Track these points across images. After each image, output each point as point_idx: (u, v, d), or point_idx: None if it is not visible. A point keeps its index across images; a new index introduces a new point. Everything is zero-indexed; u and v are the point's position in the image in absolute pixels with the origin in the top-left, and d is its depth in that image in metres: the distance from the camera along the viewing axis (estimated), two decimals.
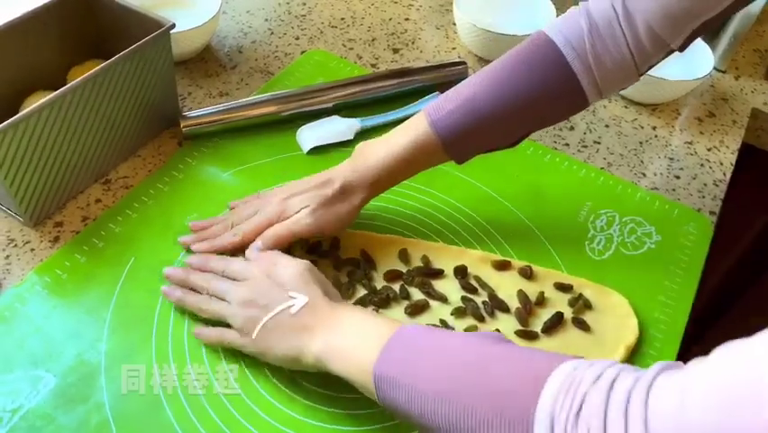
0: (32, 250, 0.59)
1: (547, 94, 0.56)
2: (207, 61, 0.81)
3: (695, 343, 1.17)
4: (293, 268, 0.52)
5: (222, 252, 0.58)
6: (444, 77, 0.79)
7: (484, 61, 0.85)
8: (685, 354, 0.57)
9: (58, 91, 0.56)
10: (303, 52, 0.84)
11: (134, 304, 0.56)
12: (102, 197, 0.64)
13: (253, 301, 0.50)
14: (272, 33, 0.86)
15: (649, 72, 0.76)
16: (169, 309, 0.56)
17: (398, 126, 0.59)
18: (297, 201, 0.58)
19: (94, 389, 0.50)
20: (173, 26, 0.64)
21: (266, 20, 0.88)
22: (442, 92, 0.77)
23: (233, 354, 0.53)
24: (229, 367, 0.52)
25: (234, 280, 0.53)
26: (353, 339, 0.46)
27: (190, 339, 0.54)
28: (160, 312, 0.56)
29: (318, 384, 0.52)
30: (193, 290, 0.55)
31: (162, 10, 0.80)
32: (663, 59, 0.57)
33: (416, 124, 0.58)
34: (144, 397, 0.50)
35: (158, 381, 0.51)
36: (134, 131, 0.67)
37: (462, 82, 0.59)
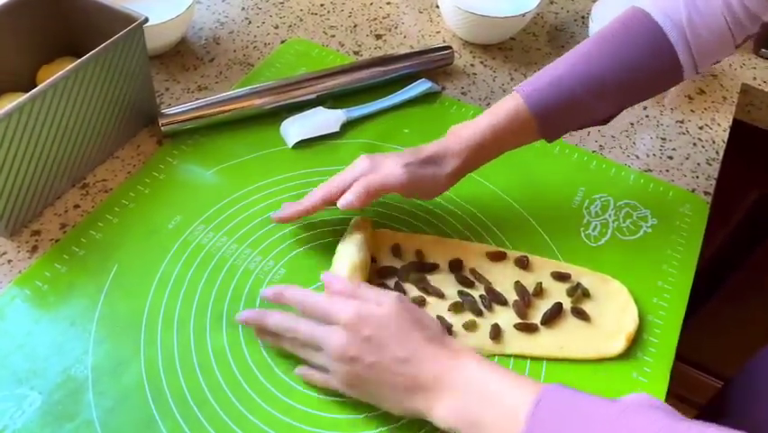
0: (10, 261, 0.57)
1: (643, 67, 0.56)
2: (184, 54, 0.78)
3: (689, 317, 1.17)
4: (386, 309, 0.47)
5: (311, 213, 0.57)
6: (430, 62, 0.77)
7: (469, 45, 0.83)
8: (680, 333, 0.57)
9: (28, 94, 0.53)
10: (283, 41, 0.81)
11: (120, 313, 0.54)
12: (80, 202, 0.61)
13: (354, 359, 0.46)
14: (250, 23, 0.83)
15: None
16: (156, 317, 0.54)
17: (492, 107, 0.58)
18: (390, 160, 0.56)
19: (82, 405, 0.48)
20: (146, 20, 0.61)
21: (243, 8, 0.85)
22: (428, 78, 0.76)
23: (225, 363, 0.51)
24: (223, 379, 0.51)
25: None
26: (488, 409, 0.42)
27: (180, 348, 0.52)
28: (147, 320, 0.54)
29: (320, 391, 0.50)
30: None
31: (134, 3, 0.77)
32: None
33: (508, 101, 0.57)
34: (136, 412, 0.48)
35: (149, 394, 0.49)
36: (111, 131, 0.64)
37: (556, 60, 0.58)
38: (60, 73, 0.55)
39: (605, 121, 0.60)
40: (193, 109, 0.67)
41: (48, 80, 0.54)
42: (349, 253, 0.56)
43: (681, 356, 1.23)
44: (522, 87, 0.57)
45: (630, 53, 0.56)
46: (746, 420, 0.68)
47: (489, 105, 0.75)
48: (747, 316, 1.11)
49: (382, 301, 0.48)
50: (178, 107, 0.67)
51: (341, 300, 0.48)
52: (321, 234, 0.61)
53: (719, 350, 1.20)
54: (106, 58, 0.59)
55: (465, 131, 0.57)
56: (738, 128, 0.82)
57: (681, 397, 1.26)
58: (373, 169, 0.56)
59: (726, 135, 0.75)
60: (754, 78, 0.83)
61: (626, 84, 0.57)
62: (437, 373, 0.45)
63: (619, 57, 0.56)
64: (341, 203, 0.55)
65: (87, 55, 0.56)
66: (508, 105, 0.57)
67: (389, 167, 0.56)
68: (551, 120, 0.57)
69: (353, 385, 0.47)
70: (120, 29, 0.59)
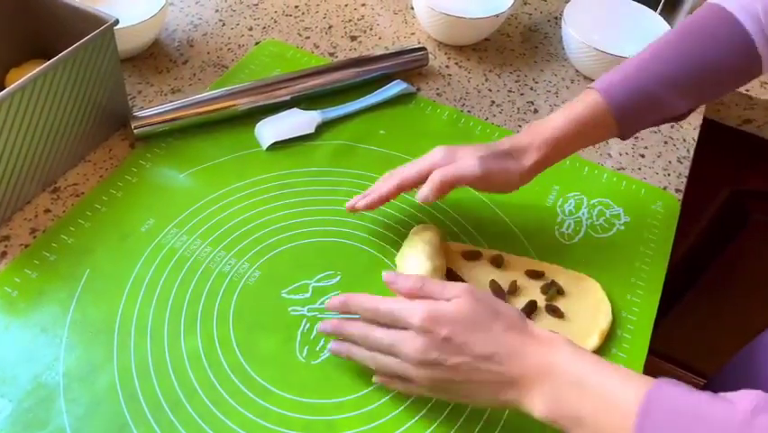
0: None
1: (722, 61, 0.56)
2: (157, 57, 0.77)
3: (665, 314, 1.18)
4: (459, 305, 0.44)
5: (386, 201, 0.57)
6: (405, 63, 0.77)
7: (444, 46, 0.84)
8: (654, 330, 0.58)
9: None
10: (257, 43, 0.80)
11: (92, 319, 0.53)
12: (51, 206, 0.61)
13: (436, 362, 0.44)
14: (224, 25, 0.83)
15: (606, 50, 0.76)
16: (129, 322, 0.53)
17: (567, 103, 0.58)
18: (466, 152, 0.56)
19: (53, 413, 0.48)
20: (117, 22, 0.60)
21: (216, 10, 0.85)
22: (403, 79, 0.76)
23: (199, 367, 0.51)
24: (198, 382, 0.50)
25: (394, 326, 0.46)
26: (589, 402, 0.40)
27: (154, 351, 0.52)
28: (120, 325, 0.53)
29: (296, 393, 0.50)
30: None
31: (106, 5, 0.76)
32: None
33: (587, 97, 0.57)
34: (108, 418, 0.48)
35: (122, 399, 0.49)
36: (82, 135, 0.63)
37: (632, 57, 0.58)
38: (29, 76, 0.54)
39: (683, 116, 0.60)
40: (166, 112, 0.66)
41: (16, 83, 0.53)
42: (421, 258, 0.55)
43: (659, 353, 1.24)
44: (599, 82, 0.57)
45: (708, 48, 0.56)
46: None
47: (464, 105, 0.76)
48: (722, 311, 1.13)
49: (452, 294, 0.45)
50: (150, 110, 0.66)
51: (409, 301, 0.46)
52: (294, 236, 0.60)
53: (697, 346, 1.21)
54: (76, 60, 0.58)
55: (543, 126, 0.57)
56: (708, 127, 0.84)
57: None
58: (448, 159, 0.56)
59: (696, 134, 0.77)
60: None
61: (705, 79, 0.57)
62: (526, 365, 0.42)
63: (698, 52, 0.56)
64: (419, 197, 0.55)
65: (56, 57, 0.56)
66: (586, 100, 0.57)
67: (465, 159, 0.55)
68: (628, 116, 0.57)
69: (440, 389, 0.45)
70: (90, 31, 0.58)
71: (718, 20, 0.56)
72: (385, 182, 0.58)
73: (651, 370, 0.56)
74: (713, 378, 0.79)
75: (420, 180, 0.56)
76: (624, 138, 0.59)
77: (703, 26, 0.57)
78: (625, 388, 0.40)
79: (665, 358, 1.22)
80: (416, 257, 0.56)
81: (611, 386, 0.40)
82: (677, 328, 1.17)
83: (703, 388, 0.80)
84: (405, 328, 0.45)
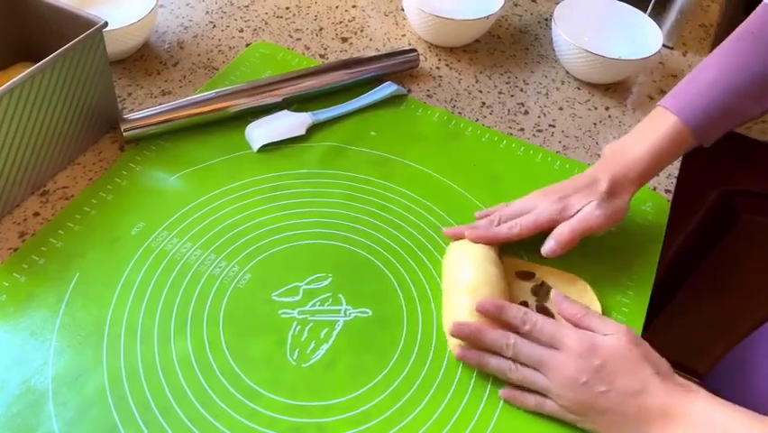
0: None
1: None
2: (147, 59, 0.77)
3: (654, 316, 1.19)
4: (617, 341, 0.48)
5: (494, 242, 0.57)
6: (396, 65, 0.77)
7: (435, 47, 0.84)
8: (643, 332, 0.58)
9: None
10: (248, 45, 0.80)
11: (81, 322, 0.53)
12: (40, 210, 0.60)
13: (585, 385, 0.46)
14: (214, 26, 0.83)
15: (599, 52, 0.76)
16: (119, 325, 0.53)
17: (640, 124, 0.60)
18: (575, 199, 0.57)
19: (42, 417, 0.47)
20: (105, 24, 0.60)
21: (207, 12, 0.85)
22: (394, 81, 0.76)
23: (189, 370, 0.51)
24: (188, 385, 0.50)
25: (542, 341, 0.49)
26: None
27: (144, 355, 0.51)
28: (109, 329, 0.53)
29: (286, 396, 0.50)
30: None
31: (96, 7, 0.76)
32: None
33: (662, 120, 0.58)
34: (98, 422, 0.48)
35: (111, 403, 0.49)
36: (71, 137, 0.63)
37: (697, 67, 0.59)
38: (16, 79, 0.54)
39: (761, 115, 0.60)
40: (156, 114, 0.66)
41: (4, 86, 0.53)
42: (485, 262, 0.55)
43: None
44: (671, 101, 0.58)
45: None
46: None
47: (454, 107, 0.76)
48: (713, 310, 1.13)
49: (611, 331, 0.49)
50: (140, 112, 0.66)
51: (568, 326, 0.49)
52: (285, 238, 0.60)
53: (688, 345, 1.22)
54: (64, 63, 0.58)
55: (629, 158, 0.58)
56: None
57: None
58: (564, 211, 0.57)
59: None
60: None
61: None
62: (669, 406, 0.45)
63: (762, 54, 0.56)
64: (545, 251, 0.57)
65: (44, 60, 0.55)
66: (666, 125, 0.58)
67: (586, 209, 0.57)
68: (707, 130, 0.58)
69: (579, 412, 0.48)
70: (79, 33, 0.58)
71: None
72: (504, 228, 0.58)
73: None
74: (705, 378, 0.79)
75: (535, 233, 0.57)
76: (707, 146, 0.60)
77: (763, 28, 0.57)
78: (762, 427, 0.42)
79: None
80: (477, 261, 0.55)
81: (745, 431, 0.43)
82: (668, 328, 1.18)
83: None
84: (557, 349, 0.48)
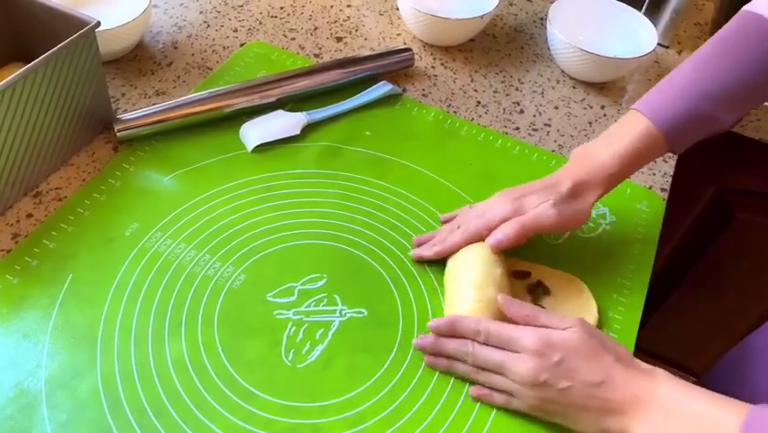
0: None
1: (763, 67, 0.55)
2: (141, 59, 0.76)
3: (650, 314, 1.19)
4: (573, 334, 0.48)
5: (453, 252, 0.57)
6: (391, 64, 0.77)
7: (430, 47, 0.84)
8: (639, 331, 0.58)
9: None
10: (242, 45, 0.80)
11: (75, 324, 0.53)
12: (33, 211, 0.60)
13: (545, 384, 0.47)
14: (209, 26, 0.82)
15: (591, 50, 0.76)
16: (113, 326, 0.53)
17: (612, 127, 0.59)
18: (532, 199, 0.56)
19: (35, 420, 0.47)
20: (98, 24, 0.59)
21: (201, 12, 0.84)
22: (389, 80, 0.76)
23: (184, 371, 0.50)
24: (182, 387, 0.50)
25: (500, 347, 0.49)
26: (692, 429, 0.43)
27: (138, 356, 0.51)
28: (103, 330, 0.52)
29: (281, 397, 0.50)
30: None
31: (90, 7, 0.76)
32: None
33: (633, 122, 0.57)
34: (91, 424, 0.47)
35: (105, 405, 0.48)
36: (64, 138, 0.63)
37: (671, 73, 0.58)
38: (8, 79, 0.53)
39: (732, 125, 0.60)
40: (149, 114, 0.66)
41: None
42: (487, 265, 0.55)
43: (647, 351, 1.25)
44: (643, 105, 0.57)
45: (749, 57, 0.56)
46: None
47: (449, 106, 0.76)
48: (709, 308, 1.13)
49: (566, 325, 0.49)
50: (133, 113, 0.66)
51: (523, 327, 0.49)
52: (280, 239, 0.60)
53: (685, 344, 1.22)
54: (57, 63, 0.57)
55: (597, 159, 0.57)
56: None
57: None
58: (518, 210, 0.56)
59: None
60: None
61: (749, 88, 0.57)
62: (633, 393, 0.45)
63: (739, 63, 0.56)
64: (490, 241, 0.55)
65: (36, 60, 0.55)
66: (637, 128, 0.57)
67: (539, 208, 0.56)
68: (679, 136, 0.57)
69: (543, 409, 0.48)
70: (71, 33, 0.58)
71: (754, 26, 0.56)
72: (453, 234, 0.58)
73: None
74: (704, 377, 0.79)
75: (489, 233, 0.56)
76: (676, 153, 0.60)
77: (742, 36, 0.56)
78: (724, 414, 0.42)
79: (653, 356, 1.23)
80: (480, 264, 0.55)
81: (712, 414, 0.43)
82: (664, 326, 1.18)
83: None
84: (515, 351, 0.48)
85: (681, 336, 1.20)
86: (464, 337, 0.51)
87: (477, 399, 0.51)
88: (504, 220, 0.56)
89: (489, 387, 0.51)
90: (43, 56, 0.55)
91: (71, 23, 0.59)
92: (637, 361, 0.48)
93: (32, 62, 0.55)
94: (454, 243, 0.57)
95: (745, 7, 0.58)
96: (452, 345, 0.51)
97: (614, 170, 0.57)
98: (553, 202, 0.56)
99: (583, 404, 0.46)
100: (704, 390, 0.45)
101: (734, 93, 0.56)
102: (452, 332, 0.51)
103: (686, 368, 1.24)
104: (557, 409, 0.48)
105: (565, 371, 0.46)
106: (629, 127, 0.57)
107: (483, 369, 0.50)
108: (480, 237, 0.56)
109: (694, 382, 0.46)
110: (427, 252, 0.58)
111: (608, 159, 0.57)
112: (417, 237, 0.61)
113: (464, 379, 0.52)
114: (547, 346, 0.47)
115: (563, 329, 0.48)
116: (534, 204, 0.56)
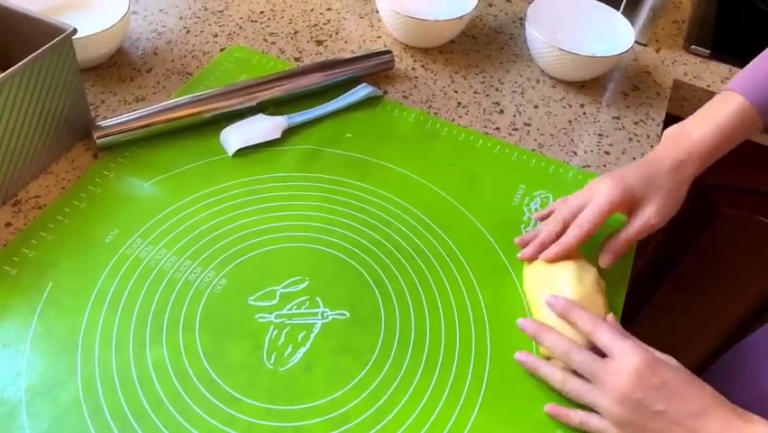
0: None
1: None
2: (120, 66, 0.76)
3: (638, 312, 1.19)
4: (674, 361, 0.47)
5: (569, 252, 0.56)
6: (371, 66, 0.77)
7: (410, 48, 0.84)
8: (627, 328, 0.58)
9: None
10: (222, 50, 0.80)
11: (55, 332, 0.52)
12: (12, 220, 0.60)
13: (639, 403, 0.44)
14: (188, 32, 0.82)
15: (570, 49, 0.76)
16: (93, 334, 0.52)
17: (705, 106, 0.58)
18: (645, 192, 0.56)
19: (15, 429, 0.47)
20: (74, 32, 0.59)
21: (181, 18, 0.84)
22: (369, 83, 0.76)
23: (165, 377, 0.50)
24: (164, 393, 0.50)
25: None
26: None
27: (119, 363, 0.51)
28: (84, 337, 0.52)
29: (263, 401, 0.50)
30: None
31: (67, 14, 0.75)
32: None
33: (731, 102, 0.56)
34: (72, 432, 0.47)
35: (86, 412, 0.48)
36: (43, 146, 0.62)
37: (760, 56, 0.58)
38: None
39: None
40: (129, 121, 0.66)
41: None
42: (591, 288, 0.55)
43: None
44: (739, 84, 0.57)
45: None
46: None
47: (430, 107, 0.76)
48: (696, 305, 1.14)
49: (673, 361, 0.48)
50: (113, 119, 0.66)
51: (629, 341, 0.48)
52: (261, 242, 0.60)
53: (673, 341, 1.22)
54: (33, 71, 0.57)
55: (693, 135, 0.57)
56: (672, 122, 0.85)
57: None
58: (627, 198, 0.56)
59: (659, 130, 0.78)
60: (686, 74, 0.86)
61: None
62: (722, 429, 0.43)
63: None
64: (603, 263, 0.58)
65: (12, 68, 0.55)
66: (731, 105, 0.56)
67: (649, 205, 0.57)
68: None
69: (628, 430, 0.46)
70: (48, 41, 0.58)
71: None
72: (550, 226, 0.57)
73: None
74: (701, 375, 0.78)
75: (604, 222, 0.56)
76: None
77: None
78: None
79: None
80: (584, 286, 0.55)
81: None
82: (651, 324, 1.18)
83: None
84: (613, 360, 0.47)
85: (669, 333, 1.21)
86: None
87: (553, 416, 0.49)
88: (613, 207, 0.56)
89: (573, 396, 0.49)
90: (19, 64, 0.55)
91: (47, 30, 0.59)
92: (732, 403, 0.46)
93: (8, 70, 0.55)
94: (545, 236, 0.57)
95: None
96: (551, 337, 0.50)
97: (709, 148, 0.57)
98: (667, 193, 0.56)
99: (671, 430, 0.44)
100: None
101: None
102: (565, 317, 0.51)
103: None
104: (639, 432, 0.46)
105: (664, 394, 0.45)
106: (724, 104, 0.57)
107: (575, 374, 0.49)
108: (594, 231, 0.56)
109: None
110: (524, 253, 0.58)
111: (704, 136, 0.57)
112: (521, 238, 0.60)
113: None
114: (651, 365, 0.45)
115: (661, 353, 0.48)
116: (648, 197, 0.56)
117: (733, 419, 0.44)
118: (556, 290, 0.54)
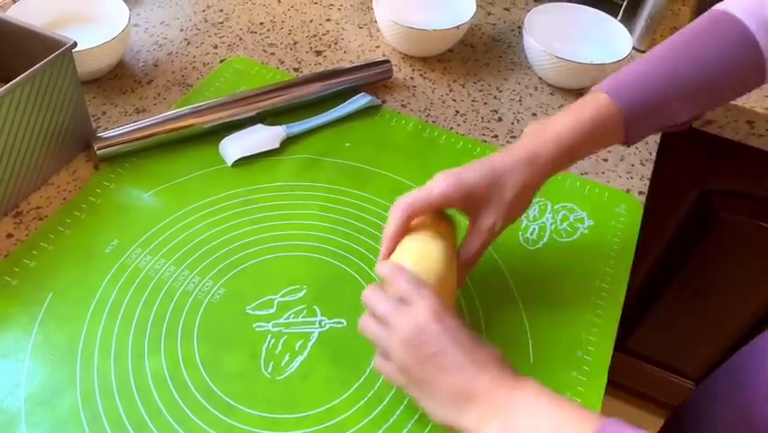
0: None
1: (728, 66, 0.55)
2: (121, 78, 0.77)
3: (640, 318, 1.19)
4: (462, 327, 0.45)
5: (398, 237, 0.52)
6: (370, 76, 0.78)
7: (409, 58, 0.84)
8: (627, 338, 0.58)
9: None
10: (222, 61, 0.81)
11: (55, 342, 0.53)
12: (13, 231, 0.60)
13: (421, 344, 0.44)
14: (189, 43, 0.83)
15: (568, 57, 0.77)
16: (93, 343, 0.53)
17: (571, 105, 0.55)
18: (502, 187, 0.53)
19: None
20: (74, 45, 0.60)
21: (181, 30, 0.85)
22: (368, 92, 0.77)
23: (163, 386, 0.51)
24: (162, 402, 0.50)
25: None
26: None
27: (117, 372, 0.51)
28: (83, 347, 0.53)
29: (261, 409, 0.50)
30: None
31: (69, 27, 0.76)
32: None
33: (593, 99, 0.54)
34: None
35: (85, 422, 0.48)
36: (44, 158, 0.63)
37: (636, 60, 0.57)
38: None
39: (683, 125, 0.59)
40: (129, 132, 0.67)
41: None
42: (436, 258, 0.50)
43: (640, 356, 1.24)
44: (607, 85, 0.55)
45: (714, 52, 0.55)
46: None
47: (428, 116, 0.77)
48: (698, 310, 1.14)
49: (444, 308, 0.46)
50: (113, 131, 0.66)
51: (424, 289, 0.46)
52: (260, 252, 0.61)
53: (677, 347, 1.22)
54: (34, 84, 0.58)
55: (549, 132, 0.54)
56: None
57: (650, 398, 1.28)
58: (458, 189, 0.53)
59: (658, 136, 0.78)
60: None
61: (710, 83, 0.56)
62: (494, 391, 0.43)
63: (703, 56, 0.55)
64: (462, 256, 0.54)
65: (13, 81, 0.56)
66: (594, 103, 0.54)
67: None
68: (637, 119, 0.55)
69: (406, 372, 0.45)
70: (48, 54, 0.58)
71: (725, 25, 0.55)
72: (388, 220, 0.53)
73: (641, 375, 0.56)
74: (703, 383, 0.78)
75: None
76: (628, 144, 0.57)
77: (709, 31, 0.56)
78: (577, 428, 0.40)
79: (644, 359, 1.23)
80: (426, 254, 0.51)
81: (565, 426, 0.41)
82: (654, 329, 1.18)
83: (693, 393, 0.80)
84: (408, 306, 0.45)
85: (671, 338, 1.20)
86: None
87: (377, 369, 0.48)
88: (445, 201, 0.53)
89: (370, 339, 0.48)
90: (20, 77, 0.56)
91: (48, 43, 0.60)
92: (510, 366, 0.45)
93: (9, 83, 0.56)
94: (389, 229, 0.53)
95: (717, 6, 0.58)
96: (368, 292, 0.49)
97: (563, 148, 0.53)
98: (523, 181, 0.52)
99: (443, 379, 0.43)
100: (568, 400, 0.43)
101: (694, 85, 0.56)
102: (387, 277, 0.49)
103: (678, 370, 1.24)
104: (418, 378, 0.44)
105: (446, 338, 0.44)
106: (588, 103, 0.55)
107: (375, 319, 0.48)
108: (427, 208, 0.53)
109: (694, 387, 0.45)
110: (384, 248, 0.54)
111: (558, 134, 0.53)
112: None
113: None
114: (441, 312, 0.45)
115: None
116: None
117: (504, 377, 0.43)
118: (401, 260, 0.51)
